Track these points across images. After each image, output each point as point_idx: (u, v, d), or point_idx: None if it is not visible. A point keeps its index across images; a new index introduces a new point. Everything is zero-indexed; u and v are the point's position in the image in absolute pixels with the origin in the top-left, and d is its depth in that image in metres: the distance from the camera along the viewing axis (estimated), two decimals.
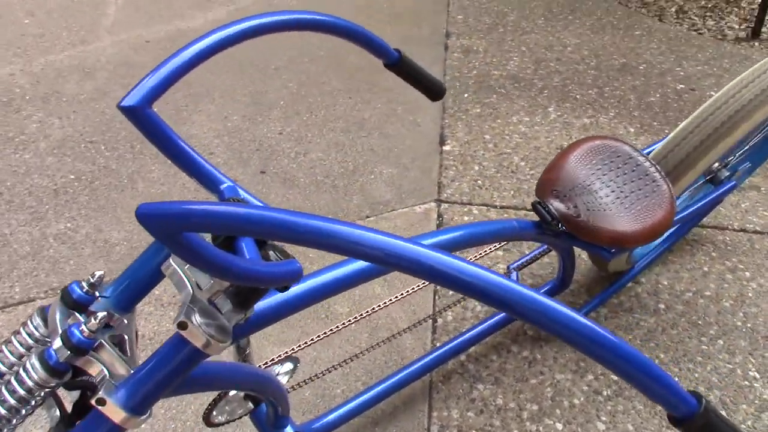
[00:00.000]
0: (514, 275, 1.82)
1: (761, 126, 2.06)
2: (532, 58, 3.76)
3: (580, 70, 3.63)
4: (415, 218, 2.52)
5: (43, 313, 0.85)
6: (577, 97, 3.37)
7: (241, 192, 0.97)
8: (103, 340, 0.79)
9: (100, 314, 0.78)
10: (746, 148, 2.13)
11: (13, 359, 0.84)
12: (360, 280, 1.06)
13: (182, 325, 0.74)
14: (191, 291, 0.77)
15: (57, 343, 0.77)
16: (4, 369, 0.84)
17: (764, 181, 2.76)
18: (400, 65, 1.30)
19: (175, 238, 0.63)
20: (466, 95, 3.39)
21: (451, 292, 2.16)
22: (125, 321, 0.86)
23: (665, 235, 2.28)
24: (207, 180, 0.96)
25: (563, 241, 1.57)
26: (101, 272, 0.84)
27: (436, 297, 2.15)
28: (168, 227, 0.61)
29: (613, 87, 3.46)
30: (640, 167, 1.63)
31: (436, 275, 0.63)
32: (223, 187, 0.96)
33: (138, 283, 0.88)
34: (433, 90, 1.39)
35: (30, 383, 0.78)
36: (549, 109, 3.26)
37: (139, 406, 0.78)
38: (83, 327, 0.77)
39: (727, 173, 2.04)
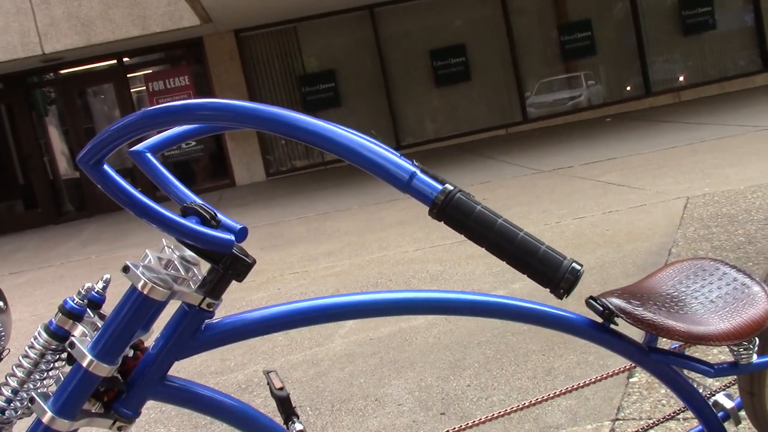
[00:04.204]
0: None
1: None
2: None
3: None
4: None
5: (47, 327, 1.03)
6: None
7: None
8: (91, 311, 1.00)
9: (87, 284, 1.00)
10: None
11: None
12: (324, 318, 1.07)
13: (125, 269, 0.93)
14: (164, 247, 0.98)
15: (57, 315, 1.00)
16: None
17: None
18: None
19: (99, 168, 0.88)
20: None
21: None
22: None
23: None
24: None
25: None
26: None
27: None
28: (93, 152, 0.87)
29: None
30: (736, 281, 1.53)
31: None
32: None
33: None
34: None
35: (38, 346, 0.99)
36: None
37: (103, 352, 0.94)
38: (75, 297, 0.99)
39: None
